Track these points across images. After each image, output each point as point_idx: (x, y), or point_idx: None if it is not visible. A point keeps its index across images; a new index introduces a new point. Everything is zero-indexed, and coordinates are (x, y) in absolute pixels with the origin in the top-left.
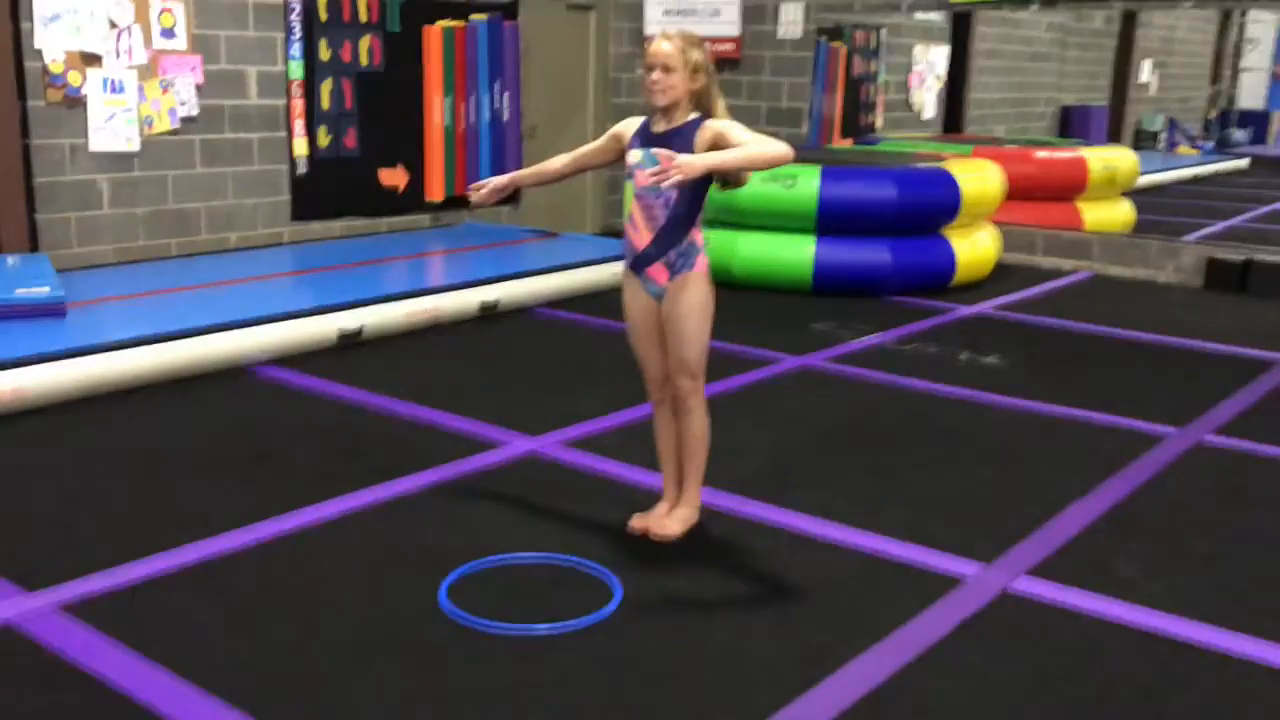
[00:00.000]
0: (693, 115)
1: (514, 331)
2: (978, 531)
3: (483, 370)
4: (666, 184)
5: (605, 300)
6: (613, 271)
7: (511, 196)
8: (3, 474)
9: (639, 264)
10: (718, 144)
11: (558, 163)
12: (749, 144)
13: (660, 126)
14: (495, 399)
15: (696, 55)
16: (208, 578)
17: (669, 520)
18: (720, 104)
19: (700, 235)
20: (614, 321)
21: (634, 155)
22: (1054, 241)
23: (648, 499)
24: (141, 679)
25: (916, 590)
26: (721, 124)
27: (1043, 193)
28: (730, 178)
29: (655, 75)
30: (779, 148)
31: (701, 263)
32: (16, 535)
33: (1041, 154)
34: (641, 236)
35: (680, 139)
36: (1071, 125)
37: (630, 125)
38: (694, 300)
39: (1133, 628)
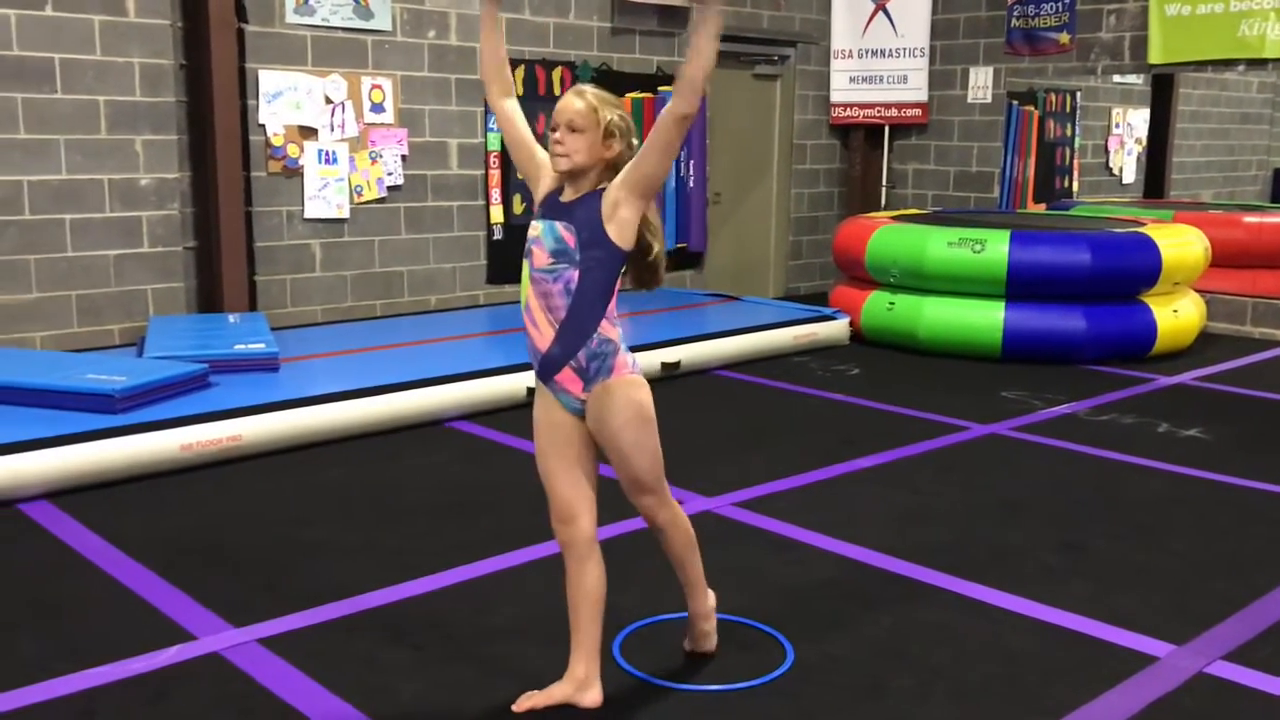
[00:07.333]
0: (602, 185)
1: (694, 392)
2: (1171, 610)
3: (662, 429)
4: None
5: (785, 364)
6: (793, 334)
7: (695, 260)
8: (219, 516)
9: (544, 372)
10: (618, 197)
11: (499, 58)
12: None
13: (568, 195)
14: (672, 458)
15: (612, 117)
16: (395, 620)
17: (569, 691)
18: None
19: (616, 330)
20: (793, 385)
21: (535, 227)
22: (1266, 310)
23: (819, 561)
24: (331, 713)
25: (1102, 668)
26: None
27: (1253, 259)
28: (645, 272)
29: (558, 134)
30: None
31: (623, 363)
32: (227, 573)
33: (1251, 219)
34: (542, 335)
35: (586, 209)
36: None
37: (548, 181)
38: (626, 414)
39: None
